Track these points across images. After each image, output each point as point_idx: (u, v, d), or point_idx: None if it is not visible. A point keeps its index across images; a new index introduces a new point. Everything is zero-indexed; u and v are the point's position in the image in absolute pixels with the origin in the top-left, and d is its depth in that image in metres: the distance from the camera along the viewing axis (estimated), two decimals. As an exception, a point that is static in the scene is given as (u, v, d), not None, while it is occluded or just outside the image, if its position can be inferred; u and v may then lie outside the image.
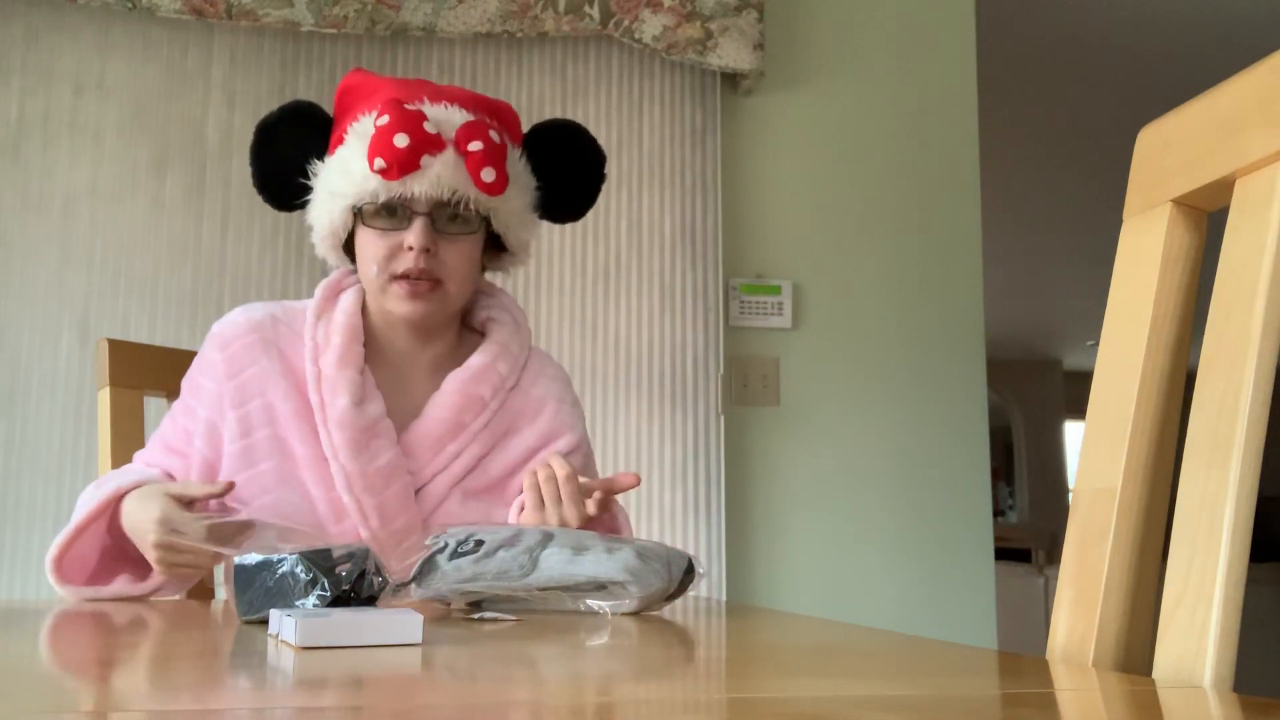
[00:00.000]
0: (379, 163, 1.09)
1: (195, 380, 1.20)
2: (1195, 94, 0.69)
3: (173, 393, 1.36)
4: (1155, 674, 0.60)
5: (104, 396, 1.42)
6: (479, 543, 0.92)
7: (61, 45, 2.33)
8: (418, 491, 1.16)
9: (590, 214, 2.46)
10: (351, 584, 0.77)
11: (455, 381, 1.19)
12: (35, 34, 2.33)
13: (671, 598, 0.94)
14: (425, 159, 1.10)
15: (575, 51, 2.51)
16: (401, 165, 1.09)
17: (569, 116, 2.50)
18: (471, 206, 1.14)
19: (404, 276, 1.13)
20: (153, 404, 1.48)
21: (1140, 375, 0.69)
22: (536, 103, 2.48)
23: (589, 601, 0.90)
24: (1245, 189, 0.64)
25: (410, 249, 1.12)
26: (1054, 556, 7.21)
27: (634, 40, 2.43)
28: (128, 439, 1.38)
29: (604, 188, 1.32)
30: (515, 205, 1.19)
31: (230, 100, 2.37)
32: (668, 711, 0.45)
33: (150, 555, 1.06)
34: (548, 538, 0.93)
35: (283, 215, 2.34)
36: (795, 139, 2.61)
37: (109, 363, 1.43)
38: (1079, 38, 3.70)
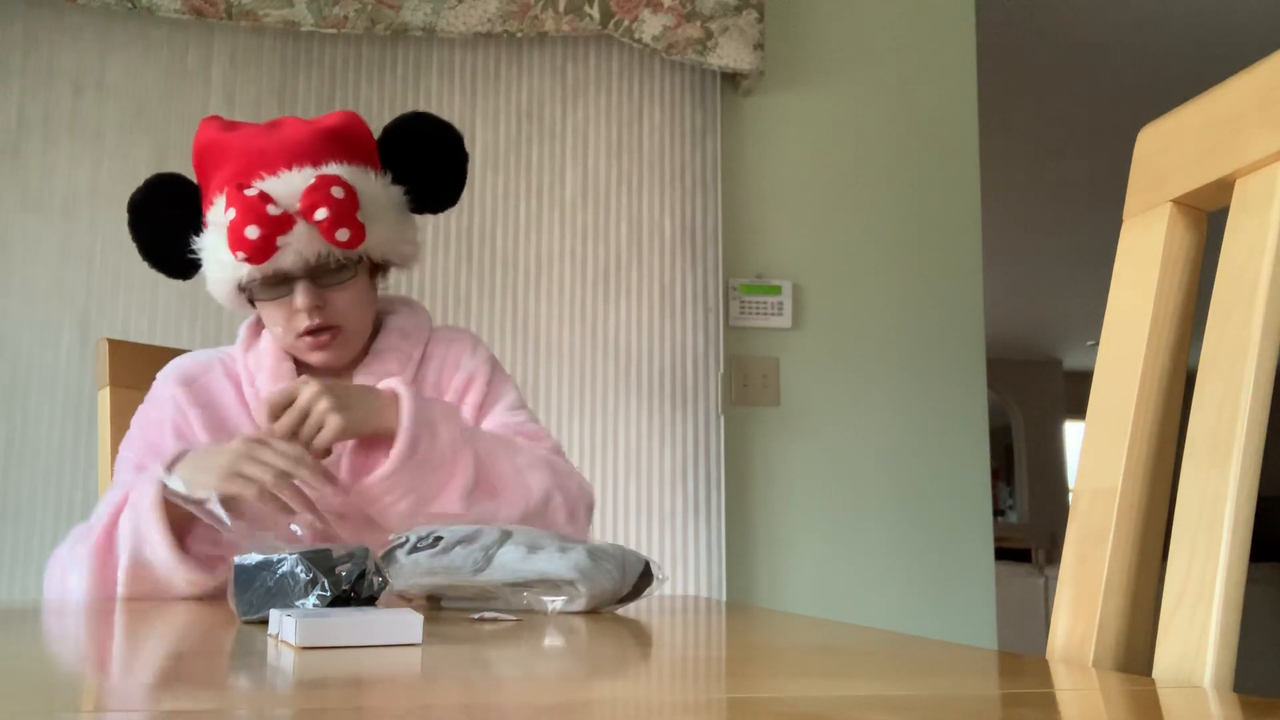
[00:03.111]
0: (240, 255, 1.16)
1: (151, 416, 1.25)
2: (1195, 94, 0.69)
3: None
4: (1155, 674, 0.60)
5: (104, 396, 1.43)
6: (438, 539, 0.93)
7: (61, 46, 2.33)
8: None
9: (590, 214, 2.47)
10: (351, 584, 0.77)
11: (363, 374, 1.27)
12: (35, 35, 2.33)
13: (625, 599, 0.95)
14: (280, 239, 1.15)
15: (575, 51, 2.51)
16: (261, 252, 1.15)
17: (569, 117, 2.51)
18: (340, 257, 1.19)
19: (305, 335, 1.21)
20: (153, 404, 1.48)
21: (1140, 375, 0.69)
22: (536, 103, 2.48)
23: (541, 598, 0.90)
24: (1245, 189, 0.64)
25: (300, 309, 1.19)
26: (1054, 556, 7.22)
27: (634, 40, 2.43)
28: (128, 439, 1.38)
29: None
30: (385, 234, 1.24)
31: (230, 100, 2.37)
32: (668, 711, 0.45)
33: (223, 465, 1.04)
34: (505, 535, 0.94)
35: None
36: (795, 139, 2.61)
37: (109, 363, 1.43)
38: (1079, 38, 3.70)
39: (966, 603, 2.53)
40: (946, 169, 2.66)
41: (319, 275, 1.19)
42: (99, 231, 2.29)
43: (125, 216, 1.26)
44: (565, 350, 2.40)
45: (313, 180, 1.17)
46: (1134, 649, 0.67)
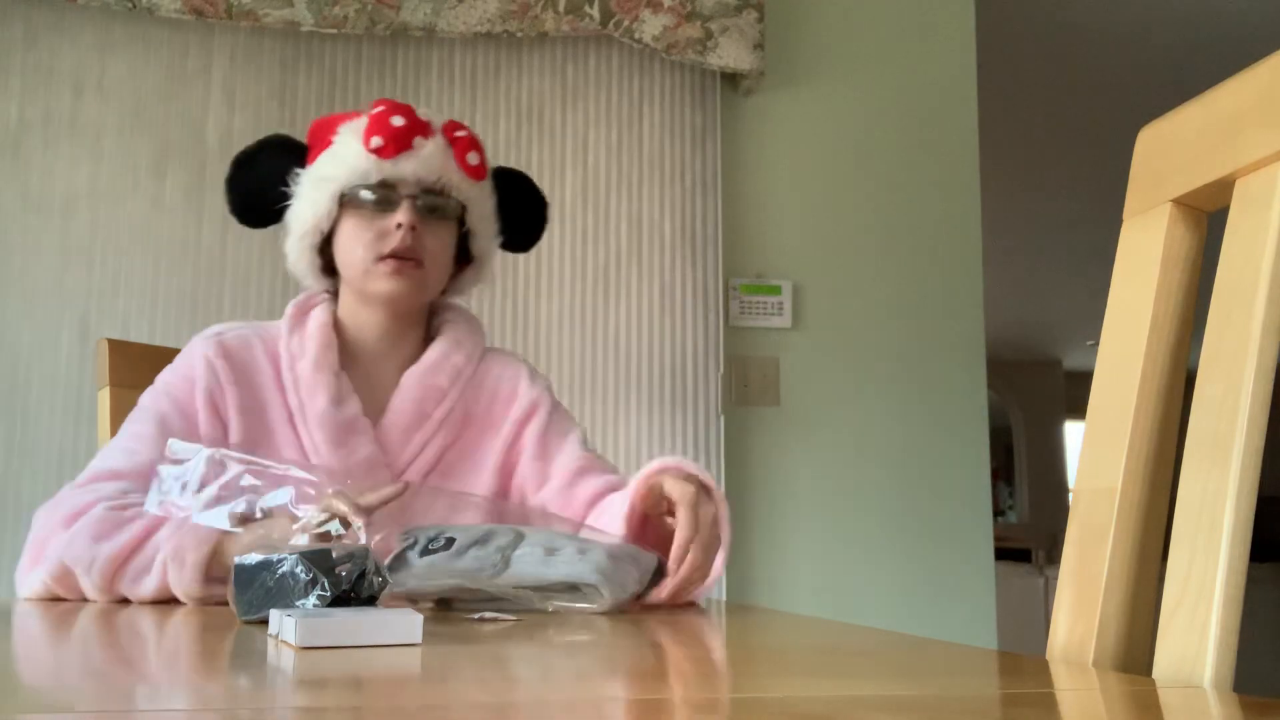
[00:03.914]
0: (375, 140, 1.18)
1: (184, 373, 1.21)
2: (1195, 94, 0.69)
3: (173, 393, 1.35)
4: (1155, 674, 0.60)
5: (104, 396, 1.43)
6: (450, 540, 0.92)
7: (61, 45, 2.33)
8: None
9: (590, 214, 2.47)
10: (351, 584, 0.77)
11: (413, 376, 1.25)
12: (35, 34, 2.33)
13: (638, 598, 0.94)
14: (417, 140, 1.19)
15: (575, 51, 2.51)
16: (397, 143, 1.18)
17: (569, 117, 2.51)
18: (453, 193, 1.22)
19: (390, 256, 1.19)
20: (153, 404, 1.47)
21: (1140, 375, 0.69)
22: (536, 103, 2.48)
23: (558, 603, 0.89)
24: (1245, 189, 0.64)
25: (399, 227, 1.18)
26: (1054, 556, 7.21)
27: (634, 40, 2.43)
28: (128, 439, 1.38)
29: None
30: (486, 209, 1.28)
31: (230, 100, 2.37)
32: (669, 711, 0.45)
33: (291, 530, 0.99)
34: (519, 537, 0.93)
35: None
36: (795, 139, 2.61)
37: (109, 363, 1.43)
38: (1079, 38, 3.70)
39: (966, 603, 2.53)
40: (946, 169, 2.66)
41: (422, 207, 1.21)
42: (99, 231, 2.29)
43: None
44: (565, 350, 2.40)
45: (453, 118, 1.25)
46: (1134, 649, 0.67)
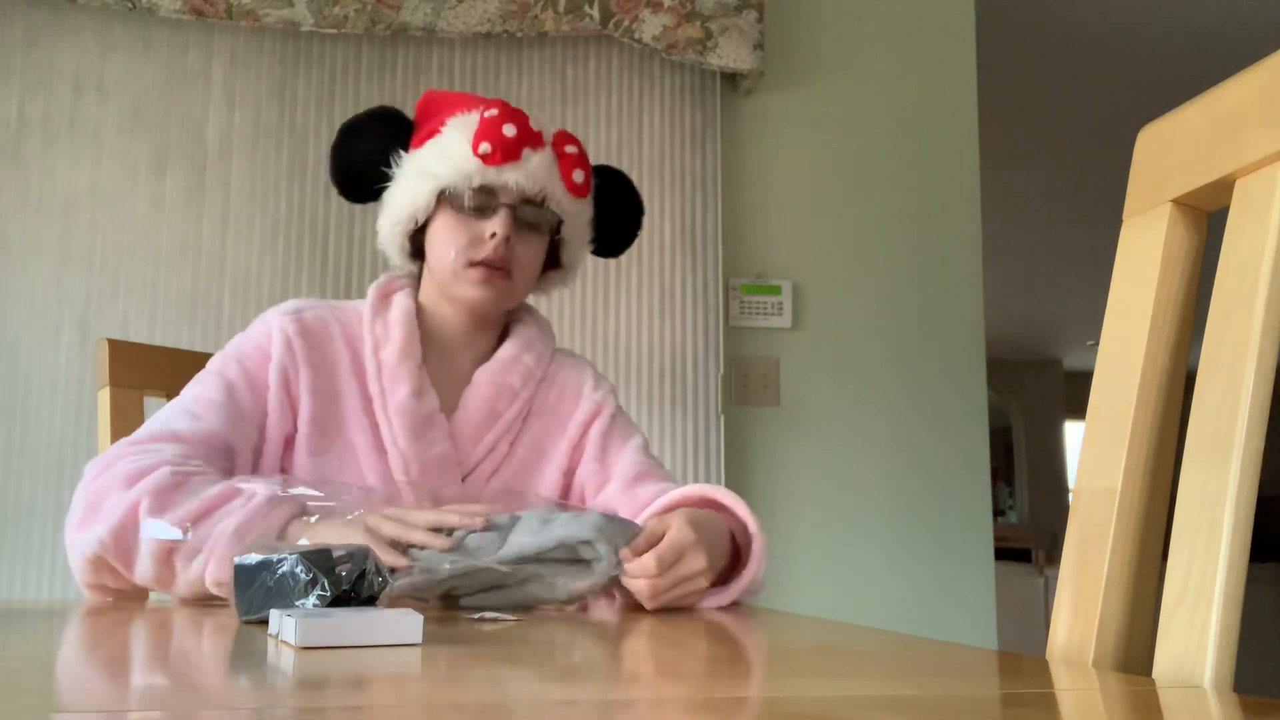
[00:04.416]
0: (484, 147, 1.16)
1: (259, 344, 1.18)
2: (1195, 94, 0.69)
3: (172, 393, 1.35)
4: (1155, 674, 0.60)
5: (104, 396, 1.43)
6: (450, 532, 0.93)
7: (61, 46, 2.33)
8: (464, 480, 1.21)
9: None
10: (351, 584, 0.77)
11: (486, 374, 1.24)
12: (35, 35, 2.33)
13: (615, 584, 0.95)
14: (526, 151, 1.18)
15: (575, 51, 2.51)
16: (505, 152, 1.17)
17: (569, 117, 2.51)
18: (552, 206, 1.21)
19: (481, 263, 1.19)
20: (152, 404, 1.47)
21: (1140, 375, 0.69)
22: (536, 103, 2.48)
23: (561, 580, 0.90)
24: (1245, 189, 0.64)
25: (493, 236, 1.18)
26: (1054, 556, 7.21)
27: (634, 40, 2.43)
28: (128, 439, 1.38)
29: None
30: (583, 221, 1.28)
31: (230, 100, 2.37)
32: (668, 711, 0.45)
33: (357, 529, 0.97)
34: (515, 518, 0.94)
35: (283, 215, 2.34)
36: (795, 139, 2.61)
37: (109, 363, 1.43)
38: (1079, 38, 3.70)
39: (966, 603, 2.53)
40: (946, 169, 2.66)
41: (519, 219, 1.20)
42: (99, 231, 2.29)
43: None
44: (565, 350, 2.40)
45: (563, 129, 1.24)
46: (1134, 649, 0.67)
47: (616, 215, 1.33)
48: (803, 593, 2.47)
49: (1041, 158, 4.83)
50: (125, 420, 1.38)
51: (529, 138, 1.18)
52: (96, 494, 1.01)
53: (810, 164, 2.61)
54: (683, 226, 2.49)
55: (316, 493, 1.00)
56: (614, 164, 1.36)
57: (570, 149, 1.21)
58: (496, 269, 1.19)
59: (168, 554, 0.97)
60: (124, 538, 0.98)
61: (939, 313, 2.61)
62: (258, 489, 0.99)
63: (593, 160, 1.31)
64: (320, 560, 0.77)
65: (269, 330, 1.19)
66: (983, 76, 2.75)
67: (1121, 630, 0.67)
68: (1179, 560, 0.61)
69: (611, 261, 2.45)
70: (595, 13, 2.41)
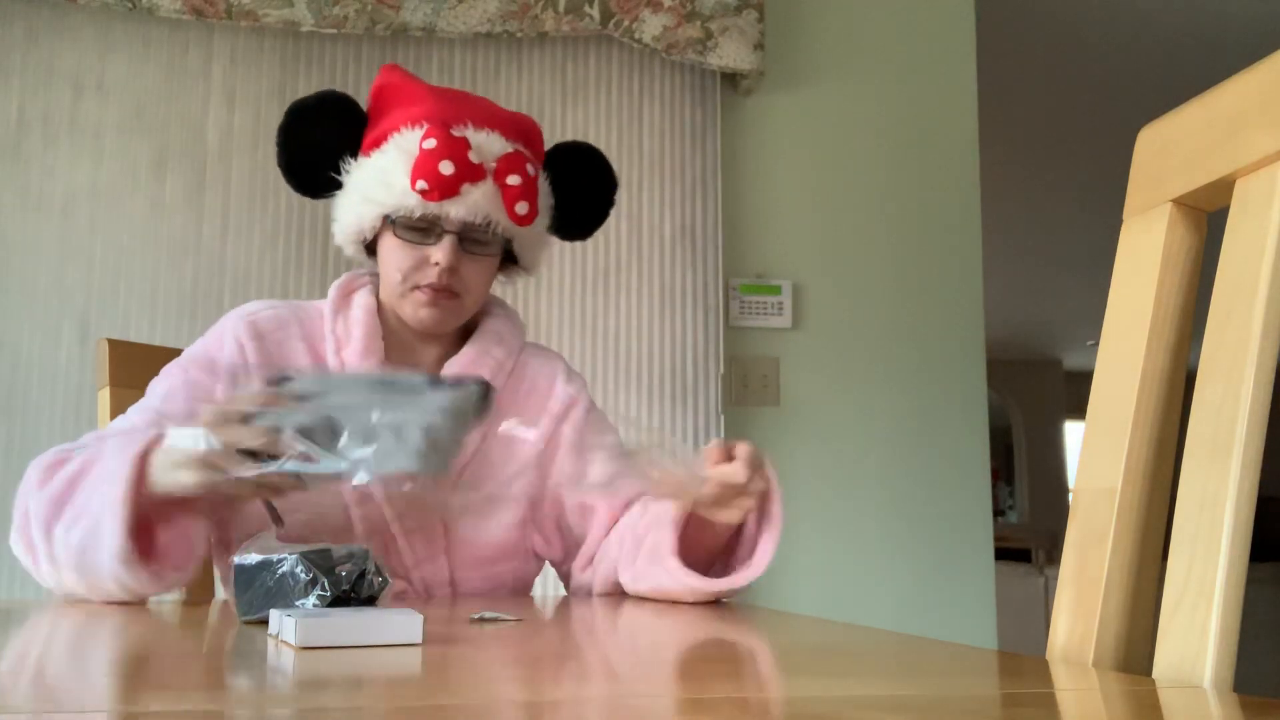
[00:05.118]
0: (421, 184, 1.14)
1: (210, 352, 1.20)
2: (1195, 94, 0.69)
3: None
4: (1155, 674, 0.60)
5: (104, 396, 1.43)
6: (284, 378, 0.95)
7: (61, 45, 2.33)
8: None
9: (590, 214, 2.47)
10: (351, 584, 0.77)
11: (454, 368, 1.24)
12: (35, 34, 2.33)
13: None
14: (465, 186, 1.14)
15: (575, 51, 2.51)
16: (443, 190, 1.14)
17: (569, 117, 2.51)
18: (499, 231, 1.19)
19: (426, 287, 1.18)
20: (153, 404, 1.47)
21: (1140, 375, 0.69)
22: (536, 103, 2.48)
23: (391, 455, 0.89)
24: (1245, 189, 0.64)
25: (436, 264, 1.16)
26: (1054, 556, 7.21)
27: (634, 40, 2.43)
28: (128, 439, 1.38)
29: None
30: (536, 230, 1.25)
31: (230, 100, 2.37)
32: (669, 711, 0.45)
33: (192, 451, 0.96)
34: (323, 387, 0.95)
35: (283, 215, 2.34)
36: (795, 139, 2.61)
37: (109, 363, 1.43)
38: (1079, 38, 3.70)
39: (966, 603, 2.53)
40: (946, 169, 2.66)
41: (464, 240, 1.18)
42: (99, 231, 2.29)
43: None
44: (565, 350, 2.40)
45: (510, 150, 1.18)
46: (1134, 649, 0.67)
47: (584, 195, 1.29)
48: (803, 592, 2.47)
49: (1041, 157, 4.83)
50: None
51: (468, 172, 1.14)
52: (19, 502, 1.03)
53: (810, 164, 2.61)
54: (683, 226, 2.49)
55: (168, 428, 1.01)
56: (614, 164, 1.34)
57: (513, 179, 1.17)
58: (443, 292, 1.18)
59: (48, 526, 0.97)
60: (25, 532, 1.00)
61: (939, 313, 2.61)
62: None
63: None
64: (320, 560, 0.77)
65: (222, 337, 1.20)
66: (983, 76, 2.75)
67: (1121, 630, 0.67)
68: (1179, 560, 0.61)
69: (611, 261, 2.45)
70: (595, 13, 2.41)
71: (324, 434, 0.91)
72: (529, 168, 1.18)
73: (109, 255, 2.29)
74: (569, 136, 2.47)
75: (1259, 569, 4.32)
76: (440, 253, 1.16)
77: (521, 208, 1.17)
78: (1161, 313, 0.69)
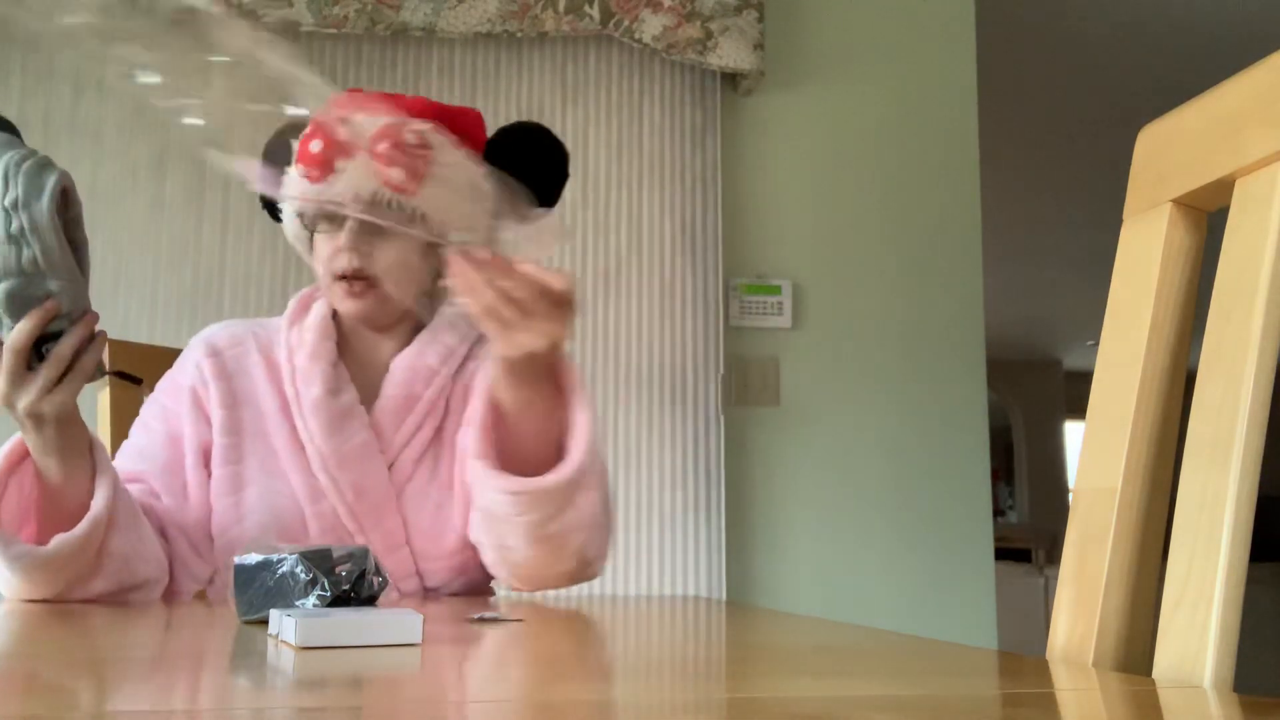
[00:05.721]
0: (300, 169, 1.16)
1: (175, 379, 1.27)
2: (1195, 94, 0.69)
3: (173, 393, 1.36)
4: (1155, 674, 0.60)
5: (104, 396, 1.43)
6: None
7: (61, 46, 2.33)
8: (390, 468, 1.22)
9: (590, 214, 2.47)
10: (351, 584, 0.77)
11: (403, 359, 1.25)
12: (35, 34, 2.33)
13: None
14: (339, 163, 1.14)
15: (575, 51, 2.51)
16: (320, 169, 1.14)
17: (569, 117, 2.51)
18: (394, 205, 1.16)
19: (342, 277, 1.19)
20: (153, 404, 1.48)
21: (1140, 375, 0.69)
22: (536, 103, 2.48)
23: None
24: (1245, 189, 0.64)
25: (340, 249, 1.18)
26: (1054, 556, 7.21)
27: (634, 40, 2.43)
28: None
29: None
30: (447, 203, 1.18)
31: (230, 100, 2.37)
32: (668, 711, 0.45)
33: None
34: None
35: (283, 215, 2.34)
36: (795, 139, 2.61)
37: (109, 363, 1.43)
38: (1079, 38, 3.70)
39: (966, 603, 2.53)
40: (946, 169, 2.66)
41: (371, 224, 1.17)
42: (99, 231, 2.29)
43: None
44: (565, 350, 2.40)
45: (392, 123, 1.16)
46: (1134, 649, 0.67)
47: (531, 169, 1.26)
48: (803, 593, 2.47)
49: (1041, 157, 4.83)
50: (125, 421, 1.38)
51: (339, 148, 1.13)
52: None
53: (810, 164, 2.61)
54: (682, 226, 2.49)
55: None
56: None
57: (382, 146, 1.13)
58: (356, 280, 1.18)
59: None
60: None
61: (939, 312, 2.61)
62: None
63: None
64: (320, 560, 0.77)
65: (183, 359, 1.27)
66: (983, 76, 2.75)
67: (1121, 630, 0.67)
68: (1179, 560, 0.61)
69: (611, 262, 2.45)
70: (595, 12, 2.41)
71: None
72: (409, 135, 1.15)
73: (109, 255, 2.29)
74: (569, 136, 2.47)
75: (1259, 569, 4.32)
76: (343, 236, 1.16)
77: (395, 174, 1.13)
78: (1161, 312, 0.69)
